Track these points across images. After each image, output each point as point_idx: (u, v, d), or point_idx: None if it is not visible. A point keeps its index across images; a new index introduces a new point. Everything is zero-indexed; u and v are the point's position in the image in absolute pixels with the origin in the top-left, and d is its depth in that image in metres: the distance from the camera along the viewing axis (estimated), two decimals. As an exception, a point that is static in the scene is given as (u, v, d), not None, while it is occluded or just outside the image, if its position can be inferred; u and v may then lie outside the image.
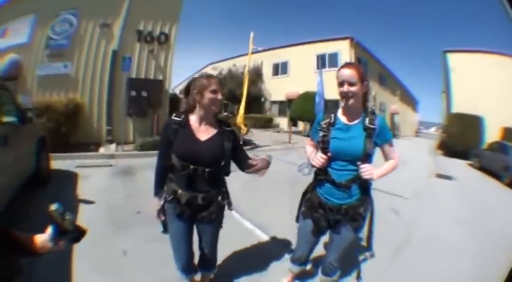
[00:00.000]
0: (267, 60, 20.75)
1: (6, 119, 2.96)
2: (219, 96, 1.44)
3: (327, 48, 17.35)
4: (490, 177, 8.94)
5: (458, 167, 10.44)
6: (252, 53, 9.41)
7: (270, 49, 20.38)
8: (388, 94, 23.35)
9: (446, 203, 5.08)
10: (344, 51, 16.62)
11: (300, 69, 18.44)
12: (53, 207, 0.83)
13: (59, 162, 5.16)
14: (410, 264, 2.65)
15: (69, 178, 4.57)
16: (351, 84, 1.38)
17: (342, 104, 1.48)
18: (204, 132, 1.49)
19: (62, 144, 6.41)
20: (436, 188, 6.23)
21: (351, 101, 1.40)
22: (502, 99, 15.06)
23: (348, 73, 1.39)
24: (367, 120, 1.43)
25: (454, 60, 17.95)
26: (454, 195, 5.76)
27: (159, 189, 1.55)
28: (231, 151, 1.53)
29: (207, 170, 1.42)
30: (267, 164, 1.57)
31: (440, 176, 7.76)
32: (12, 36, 7.95)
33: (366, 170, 1.38)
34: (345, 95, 1.41)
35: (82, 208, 3.33)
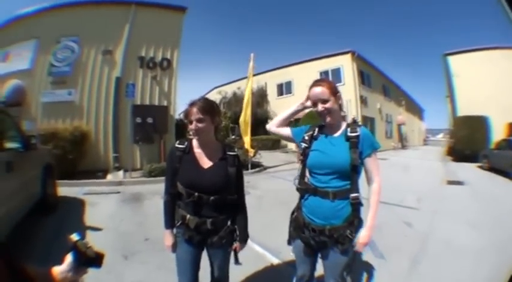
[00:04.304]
0: (270, 81, 20.76)
1: (10, 145, 2.98)
2: (194, 127, 1.38)
3: (329, 64, 17.27)
4: (500, 176, 8.69)
5: (468, 170, 10.21)
6: (254, 75, 9.32)
7: (272, 70, 20.74)
8: (393, 105, 23.10)
9: (460, 209, 4.98)
10: (346, 65, 16.59)
11: (305, 88, 18.21)
12: (75, 237, 0.79)
13: (66, 189, 5.13)
14: (428, 276, 2.60)
15: (77, 205, 4.54)
16: (324, 101, 1.38)
17: (321, 121, 1.47)
18: (207, 159, 1.47)
19: (69, 171, 6.38)
20: (449, 195, 6.09)
21: (329, 118, 1.40)
22: (505, 94, 14.34)
23: (319, 91, 1.39)
24: (348, 130, 1.40)
25: (455, 62, 17.53)
26: (467, 200, 5.66)
27: (169, 220, 1.51)
28: (236, 176, 1.50)
29: (211, 197, 1.41)
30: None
31: (451, 182, 7.58)
32: (14, 62, 8.05)
33: (360, 244, 1.35)
34: (321, 114, 1.40)
35: (90, 235, 3.30)
